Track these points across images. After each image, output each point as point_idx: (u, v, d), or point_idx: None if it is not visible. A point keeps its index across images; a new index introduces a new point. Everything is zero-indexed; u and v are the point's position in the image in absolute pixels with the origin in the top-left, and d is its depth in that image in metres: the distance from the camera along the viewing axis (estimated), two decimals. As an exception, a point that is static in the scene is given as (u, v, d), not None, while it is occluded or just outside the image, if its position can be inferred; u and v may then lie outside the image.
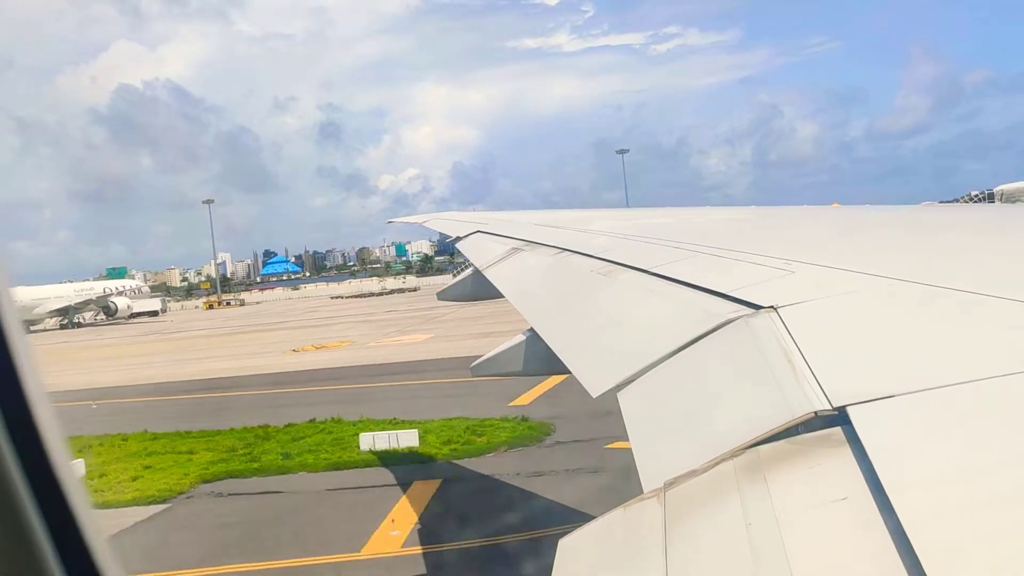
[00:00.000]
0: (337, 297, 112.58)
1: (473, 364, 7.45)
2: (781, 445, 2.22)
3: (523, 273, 7.51)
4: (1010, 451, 1.88)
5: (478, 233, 10.85)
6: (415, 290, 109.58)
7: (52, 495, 1.58)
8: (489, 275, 8.15)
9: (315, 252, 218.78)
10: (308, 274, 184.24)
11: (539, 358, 5.52)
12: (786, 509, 1.95)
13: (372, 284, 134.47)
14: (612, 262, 5.63)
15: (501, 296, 7.37)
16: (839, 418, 2.19)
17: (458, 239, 11.42)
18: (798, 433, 2.24)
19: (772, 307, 3.22)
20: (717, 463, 2.26)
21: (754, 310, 3.28)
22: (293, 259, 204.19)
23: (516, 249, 8.38)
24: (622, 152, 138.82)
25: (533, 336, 5.70)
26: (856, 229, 6.01)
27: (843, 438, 2.11)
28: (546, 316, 5.77)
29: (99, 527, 1.67)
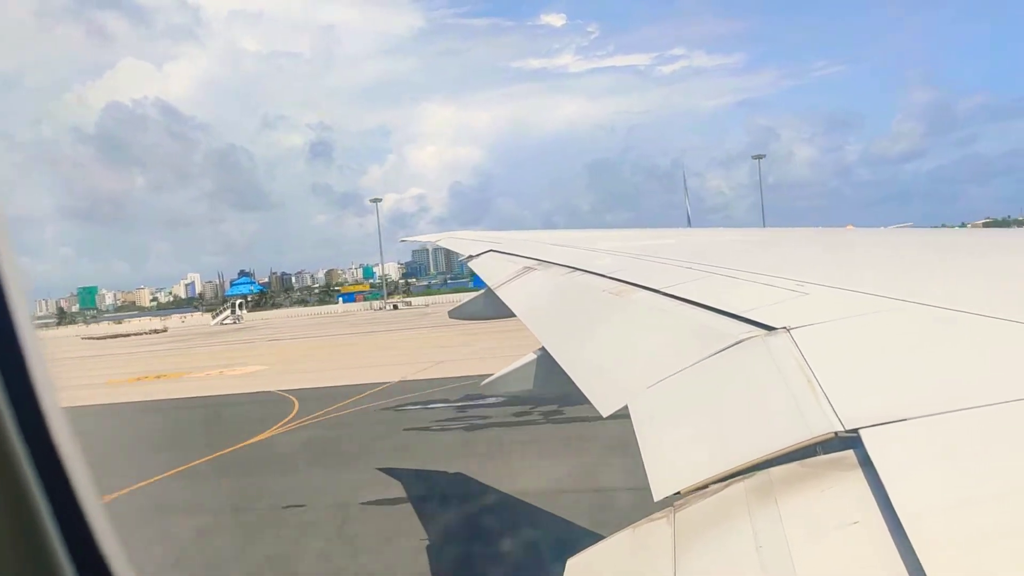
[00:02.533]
0: (89, 338, 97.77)
1: (483, 383, 7.42)
2: (792, 468, 2.20)
3: (534, 292, 7.51)
4: None
5: (491, 252, 10.88)
6: (165, 331, 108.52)
7: (63, 493, 1.61)
8: (500, 294, 8.16)
9: (283, 274, 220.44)
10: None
11: (549, 377, 5.49)
12: (797, 533, 1.92)
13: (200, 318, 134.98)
14: (623, 281, 5.62)
15: (512, 315, 7.37)
16: (851, 441, 2.17)
17: (471, 258, 11.45)
18: (809, 455, 2.22)
19: (785, 328, 3.20)
20: (728, 485, 2.25)
21: (767, 331, 3.26)
22: (263, 281, 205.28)
23: (528, 268, 8.39)
24: (374, 201, 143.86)
25: (544, 355, 5.69)
26: (870, 251, 5.98)
27: (855, 461, 2.09)
28: (557, 335, 5.76)
29: (108, 524, 1.69)
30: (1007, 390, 2.21)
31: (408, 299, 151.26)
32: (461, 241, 14.20)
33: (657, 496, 2.38)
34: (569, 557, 2.29)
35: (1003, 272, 4.18)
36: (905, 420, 2.15)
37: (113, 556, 1.67)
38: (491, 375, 7.23)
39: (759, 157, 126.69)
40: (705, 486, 2.31)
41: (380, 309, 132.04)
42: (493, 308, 8.99)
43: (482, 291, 10.35)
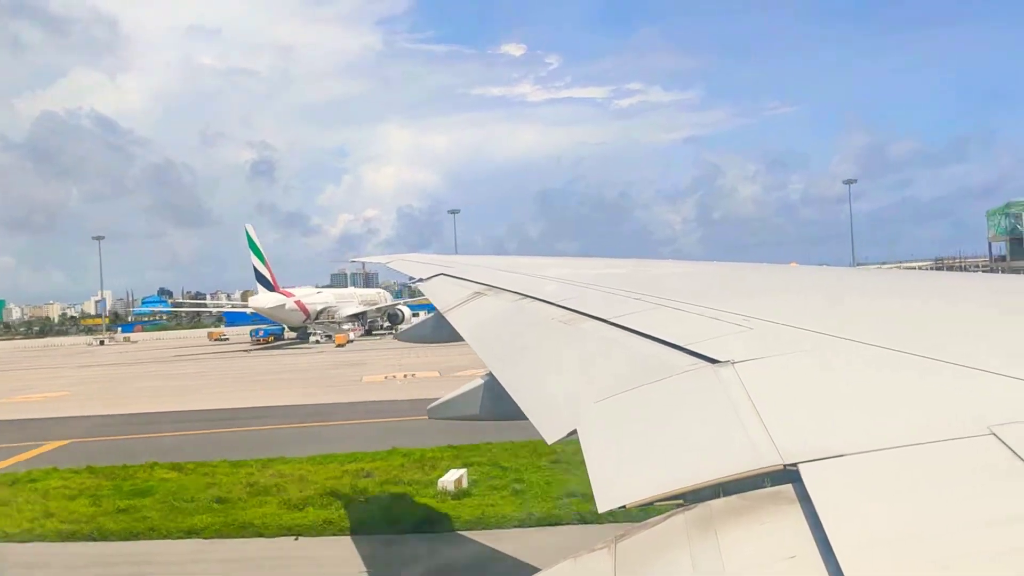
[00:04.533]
0: None
1: (430, 407, 7.36)
2: (732, 500, 2.22)
3: (484, 318, 7.50)
4: (959, 515, 1.90)
5: (441, 276, 10.84)
6: None
7: None
8: (450, 318, 8.13)
9: (196, 293, 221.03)
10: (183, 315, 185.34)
11: (496, 403, 5.48)
12: (736, 566, 1.94)
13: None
14: (573, 310, 5.65)
15: (461, 339, 7.34)
16: (791, 475, 2.19)
17: (420, 281, 11.40)
18: (748, 486, 2.24)
19: (729, 362, 3.24)
20: (669, 516, 2.25)
21: (712, 364, 3.30)
22: (173, 299, 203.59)
23: (478, 293, 8.38)
24: (97, 239, 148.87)
25: (491, 381, 5.67)
26: (814, 288, 6.11)
27: (793, 496, 2.11)
28: (505, 362, 5.74)
29: None
30: (943, 429, 2.27)
31: (128, 335, 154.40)
32: (411, 264, 14.12)
33: (602, 508, 2.38)
34: None
35: (944, 315, 4.30)
36: (843, 456, 2.19)
37: None
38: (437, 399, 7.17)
39: (454, 212, 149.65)
40: (651, 503, 2.32)
41: (89, 345, 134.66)
42: (442, 332, 8.94)
43: (431, 315, 10.29)
